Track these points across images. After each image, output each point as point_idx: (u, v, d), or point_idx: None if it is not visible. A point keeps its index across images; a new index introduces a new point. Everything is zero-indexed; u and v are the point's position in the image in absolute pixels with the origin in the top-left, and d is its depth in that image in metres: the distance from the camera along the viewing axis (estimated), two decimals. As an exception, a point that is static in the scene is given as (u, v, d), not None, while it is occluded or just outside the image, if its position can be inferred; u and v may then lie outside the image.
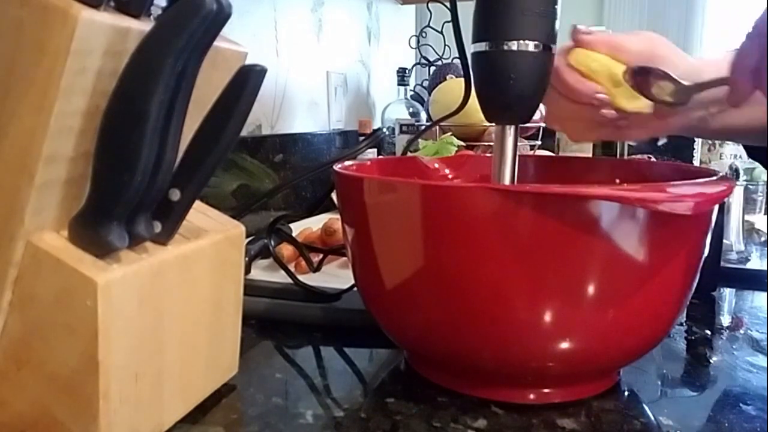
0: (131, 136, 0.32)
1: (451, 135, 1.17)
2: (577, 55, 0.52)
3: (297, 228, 0.86)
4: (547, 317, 0.41)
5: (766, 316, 0.65)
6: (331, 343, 0.57)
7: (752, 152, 0.71)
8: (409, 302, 0.45)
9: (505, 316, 0.41)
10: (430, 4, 1.64)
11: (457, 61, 0.96)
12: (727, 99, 0.44)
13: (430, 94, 1.51)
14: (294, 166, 1.17)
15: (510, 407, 0.44)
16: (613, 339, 0.43)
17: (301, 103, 1.28)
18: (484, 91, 0.49)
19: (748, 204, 1.08)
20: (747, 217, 0.91)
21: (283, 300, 0.64)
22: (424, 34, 1.77)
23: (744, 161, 1.28)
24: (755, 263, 0.82)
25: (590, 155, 1.14)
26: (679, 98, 0.47)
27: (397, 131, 1.41)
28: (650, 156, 1.34)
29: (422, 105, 1.61)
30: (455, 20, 0.53)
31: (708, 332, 0.60)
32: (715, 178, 0.43)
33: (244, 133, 0.82)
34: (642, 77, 0.48)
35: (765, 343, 0.57)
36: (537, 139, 1.34)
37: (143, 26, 0.33)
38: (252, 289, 0.62)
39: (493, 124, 0.50)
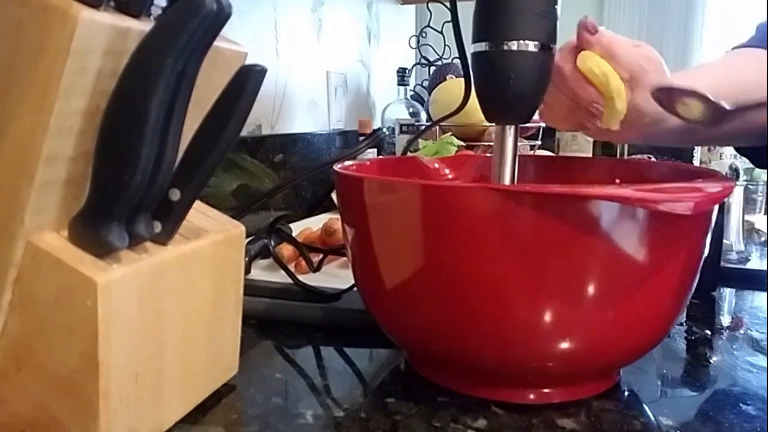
0: (131, 136, 0.32)
1: (451, 135, 1.17)
2: (585, 59, 0.52)
3: (297, 228, 0.86)
4: (547, 317, 0.41)
5: (766, 316, 0.65)
6: (331, 343, 0.57)
7: (741, 150, 0.71)
8: (409, 302, 0.45)
9: (505, 316, 0.41)
10: (430, 4, 1.64)
11: (457, 61, 0.96)
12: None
13: (430, 94, 1.51)
14: (294, 166, 1.17)
15: (510, 407, 0.44)
16: (613, 339, 0.43)
17: (301, 103, 1.28)
18: (484, 91, 0.49)
19: (748, 204, 1.08)
20: (747, 217, 0.91)
21: (283, 300, 0.64)
22: (424, 34, 1.77)
23: (744, 161, 1.28)
24: (755, 263, 0.82)
25: (590, 155, 1.15)
26: (710, 119, 0.43)
27: (397, 131, 1.41)
28: (650, 156, 1.34)
29: (422, 105, 1.61)
30: (455, 20, 0.53)
31: (708, 332, 0.60)
32: (714, 178, 0.43)
33: (244, 133, 0.82)
34: (664, 95, 0.46)
35: (765, 343, 0.57)
36: (537, 139, 1.34)
37: (143, 26, 0.33)
38: (252, 289, 0.62)
39: (493, 124, 0.50)
